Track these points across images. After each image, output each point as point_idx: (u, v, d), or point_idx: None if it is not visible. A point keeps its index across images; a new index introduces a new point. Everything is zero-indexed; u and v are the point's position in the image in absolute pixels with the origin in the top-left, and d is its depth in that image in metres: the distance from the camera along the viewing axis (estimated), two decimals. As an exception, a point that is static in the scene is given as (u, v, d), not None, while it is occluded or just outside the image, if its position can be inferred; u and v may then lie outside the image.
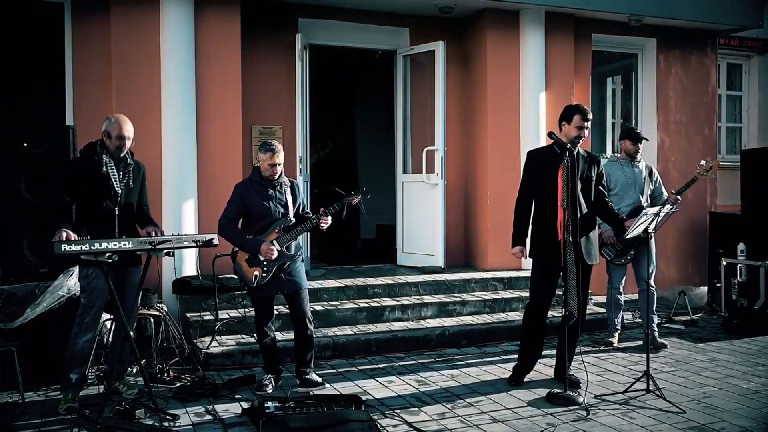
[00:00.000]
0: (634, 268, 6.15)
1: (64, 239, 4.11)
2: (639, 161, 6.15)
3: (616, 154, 6.50)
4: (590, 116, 4.82)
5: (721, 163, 9.24)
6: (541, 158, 4.89)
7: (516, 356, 5.20)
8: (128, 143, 4.54)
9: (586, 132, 4.80)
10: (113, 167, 4.51)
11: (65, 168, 4.60)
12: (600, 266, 5.49)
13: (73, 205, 4.46)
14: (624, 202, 5.97)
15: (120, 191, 4.52)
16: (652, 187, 6.16)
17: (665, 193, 6.17)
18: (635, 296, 6.68)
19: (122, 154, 4.54)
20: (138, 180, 4.69)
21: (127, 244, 4.25)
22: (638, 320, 7.00)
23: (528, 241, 4.98)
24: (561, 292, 4.77)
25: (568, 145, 4.66)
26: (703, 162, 6.14)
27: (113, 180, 4.49)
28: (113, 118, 4.55)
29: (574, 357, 5.09)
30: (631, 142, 6.08)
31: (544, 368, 5.28)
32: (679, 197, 5.84)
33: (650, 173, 6.18)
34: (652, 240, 5.98)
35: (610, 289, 6.16)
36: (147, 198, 4.84)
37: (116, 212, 4.49)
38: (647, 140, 6.28)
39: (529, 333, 5.02)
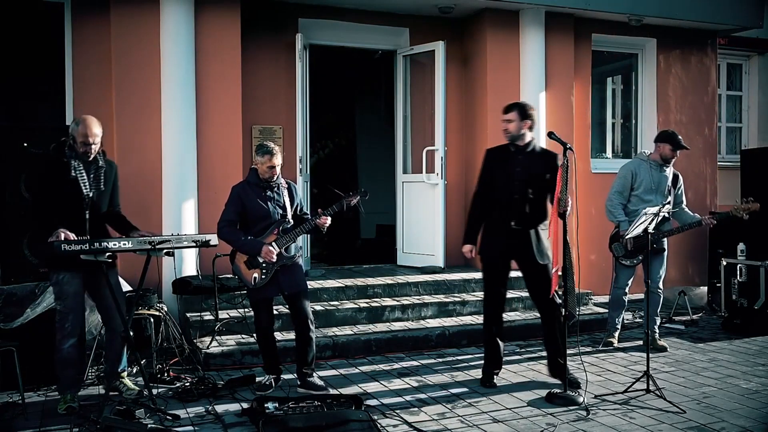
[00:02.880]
0: (645, 270, 6.07)
1: (62, 239, 4.10)
2: (668, 167, 5.98)
3: (645, 151, 6.20)
4: (508, 110, 4.87)
5: (720, 163, 9.27)
6: (496, 156, 4.99)
7: (515, 356, 5.20)
8: (95, 148, 4.38)
9: (507, 125, 4.85)
10: (82, 170, 4.36)
11: (32, 170, 4.41)
12: (606, 266, 5.46)
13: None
14: (643, 206, 5.89)
15: (90, 195, 4.39)
16: (673, 195, 5.95)
17: (685, 202, 6.06)
18: (639, 296, 6.67)
19: (90, 158, 4.39)
20: (110, 181, 4.56)
21: (127, 244, 4.25)
22: (638, 320, 6.99)
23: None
24: (560, 292, 4.77)
25: (569, 145, 4.64)
26: (743, 201, 5.93)
27: (82, 184, 4.35)
28: (79, 120, 4.39)
29: (574, 357, 5.08)
30: (671, 148, 5.85)
31: (544, 368, 5.27)
32: (715, 221, 5.95)
33: (675, 180, 6.00)
34: (666, 244, 5.97)
35: (616, 288, 6.05)
36: (119, 198, 4.70)
37: (86, 216, 4.37)
38: (688, 149, 5.97)
39: (487, 332, 5.05)
